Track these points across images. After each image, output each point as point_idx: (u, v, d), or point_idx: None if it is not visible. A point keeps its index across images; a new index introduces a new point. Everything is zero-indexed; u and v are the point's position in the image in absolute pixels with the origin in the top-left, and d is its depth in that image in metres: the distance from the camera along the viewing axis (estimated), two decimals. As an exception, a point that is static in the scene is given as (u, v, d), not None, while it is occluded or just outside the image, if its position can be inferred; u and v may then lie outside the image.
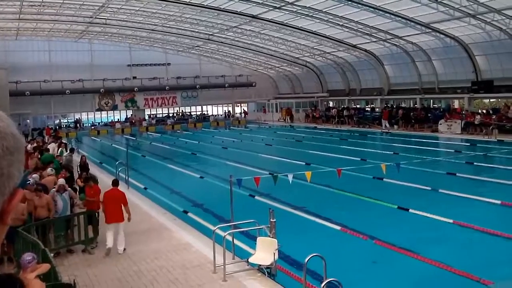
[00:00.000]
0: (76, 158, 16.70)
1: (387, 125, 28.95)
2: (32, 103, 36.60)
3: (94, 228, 8.90)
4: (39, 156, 13.89)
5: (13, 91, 34.59)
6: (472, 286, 6.72)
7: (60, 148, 17.22)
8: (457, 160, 16.44)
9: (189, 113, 44.75)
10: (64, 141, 22.25)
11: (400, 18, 25.44)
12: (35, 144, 17.77)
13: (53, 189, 9.30)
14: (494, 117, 24.56)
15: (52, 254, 6.70)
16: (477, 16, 23.18)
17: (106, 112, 41.76)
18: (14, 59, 36.79)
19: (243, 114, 44.72)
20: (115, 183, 9.18)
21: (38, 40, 37.94)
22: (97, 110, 41.20)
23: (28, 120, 37.67)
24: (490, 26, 24.26)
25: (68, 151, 16.77)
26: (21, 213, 7.97)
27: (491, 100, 29.50)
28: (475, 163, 15.97)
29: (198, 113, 45.10)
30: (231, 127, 39.47)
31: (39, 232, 8.18)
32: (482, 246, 8.46)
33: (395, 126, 29.47)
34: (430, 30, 26.79)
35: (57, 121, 39.85)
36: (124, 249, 8.48)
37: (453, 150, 19.90)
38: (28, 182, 8.96)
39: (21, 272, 5.23)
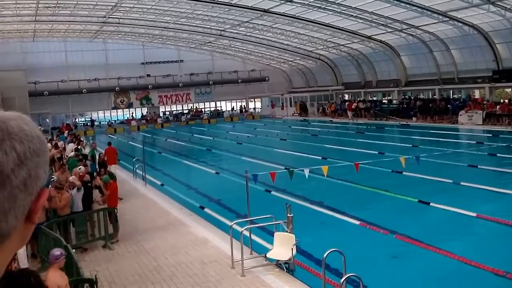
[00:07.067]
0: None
1: (351, 116, 33.35)
2: (51, 102, 37.33)
3: (113, 224, 9.02)
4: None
5: (32, 91, 35.33)
6: (498, 281, 6.52)
7: (79, 146, 17.48)
8: (479, 152, 15.98)
9: (201, 109, 44.85)
10: (82, 139, 22.61)
11: (416, 7, 24.80)
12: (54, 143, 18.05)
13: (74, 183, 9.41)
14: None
15: (74, 250, 6.80)
16: (497, 2, 22.40)
17: (122, 110, 42.33)
18: (32, 60, 37.58)
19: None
20: (110, 143, 16.12)
21: (54, 41, 38.65)
22: (113, 108, 41.76)
23: (48, 119, 38.50)
24: (511, 13, 23.43)
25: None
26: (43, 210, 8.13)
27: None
28: (498, 155, 15.51)
29: (212, 109, 45.20)
30: (245, 122, 39.43)
31: (61, 229, 8.34)
32: (507, 240, 8.20)
33: (414, 118, 28.90)
34: (447, 19, 26.06)
35: (74, 120, 40.62)
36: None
37: (474, 142, 19.37)
38: (52, 179, 9.19)
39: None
